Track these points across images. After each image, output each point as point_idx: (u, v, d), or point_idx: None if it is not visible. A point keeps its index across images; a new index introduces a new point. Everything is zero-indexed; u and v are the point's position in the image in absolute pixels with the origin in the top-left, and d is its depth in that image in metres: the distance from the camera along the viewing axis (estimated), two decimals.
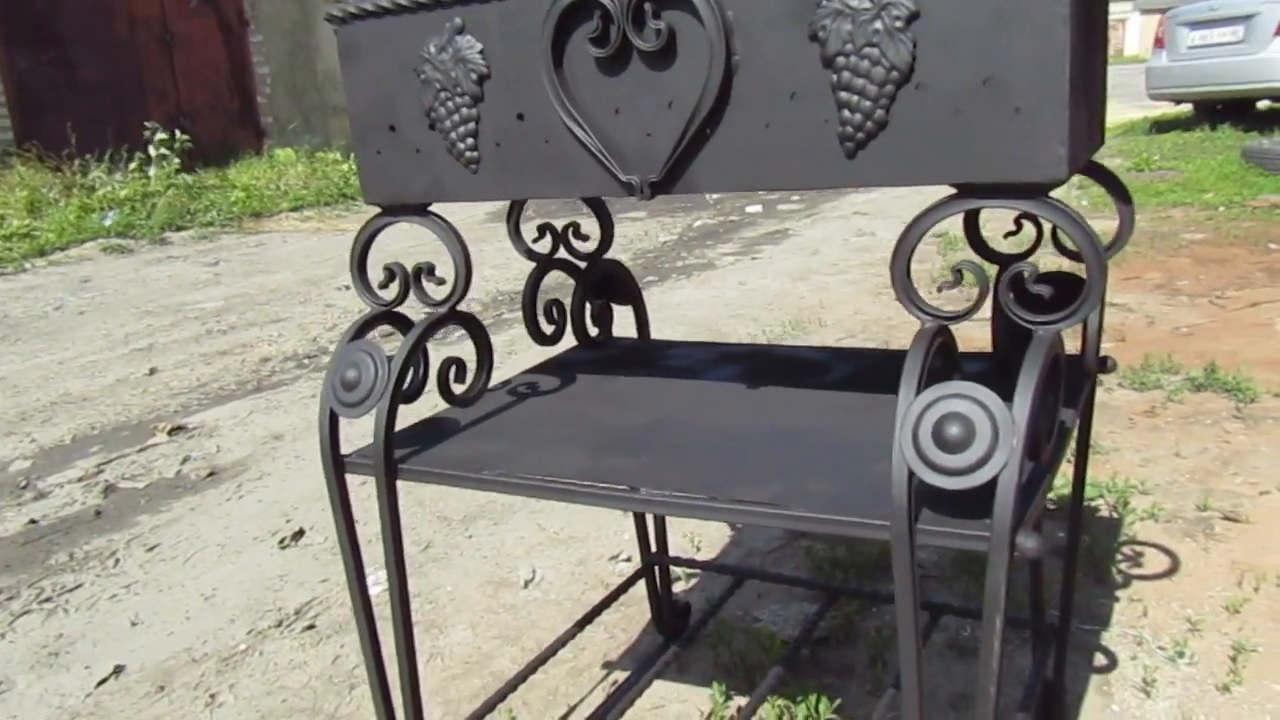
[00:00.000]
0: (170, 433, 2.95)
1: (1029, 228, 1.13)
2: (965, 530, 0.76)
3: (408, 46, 0.99)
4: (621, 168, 0.91)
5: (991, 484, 0.74)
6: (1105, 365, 1.15)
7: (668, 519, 1.72)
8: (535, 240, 1.32)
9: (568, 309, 1.36)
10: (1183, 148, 7.96)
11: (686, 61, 0.86)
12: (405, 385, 1.05)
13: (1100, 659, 1.55)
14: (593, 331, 1.37)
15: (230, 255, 6.33)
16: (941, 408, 0.76)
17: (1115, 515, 2.00)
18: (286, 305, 4.68)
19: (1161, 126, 9.54)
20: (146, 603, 1.97)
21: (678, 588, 1.84)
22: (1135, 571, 1.80)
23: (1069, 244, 1.09)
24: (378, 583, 1.98)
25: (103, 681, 1.70)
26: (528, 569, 1.97)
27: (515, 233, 1.32)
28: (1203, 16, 8.55)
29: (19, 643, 1.84)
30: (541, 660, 1.45)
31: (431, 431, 1.13)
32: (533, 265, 1.32)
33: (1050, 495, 2.07)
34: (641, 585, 1.63)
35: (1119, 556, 1.85)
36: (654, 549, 1.60)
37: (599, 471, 0.96)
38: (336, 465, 1.06)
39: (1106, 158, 8.37)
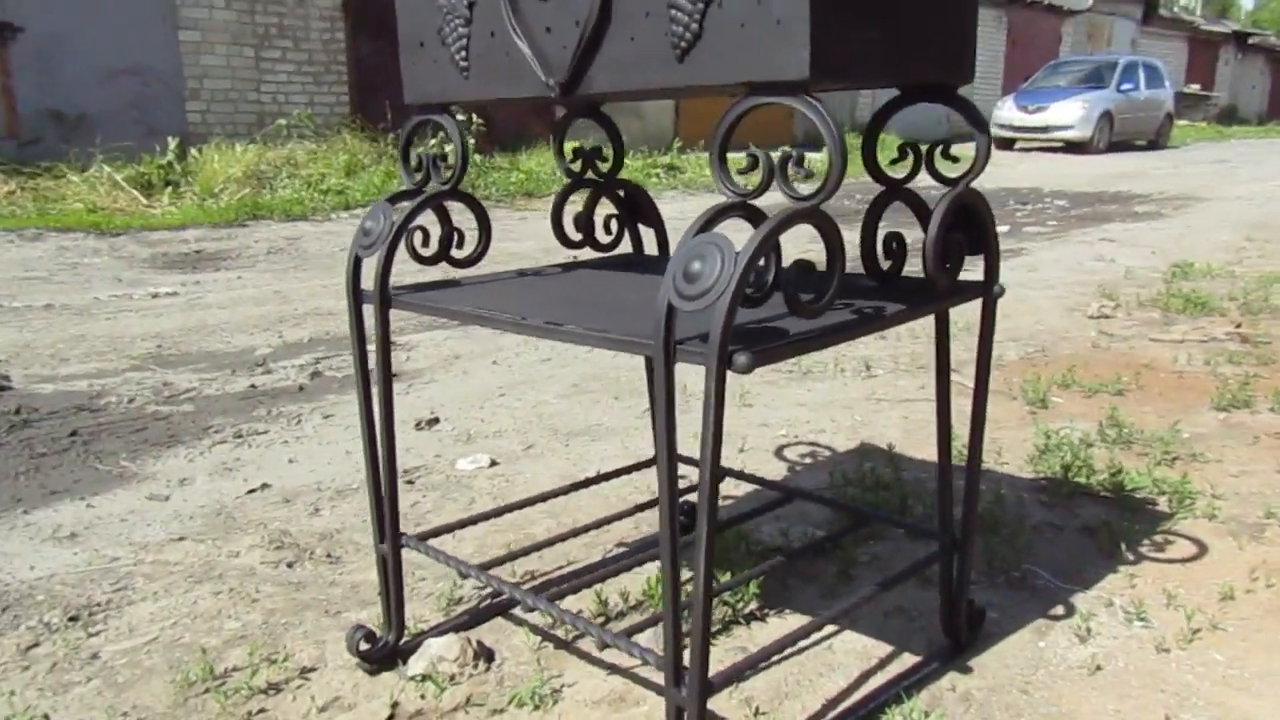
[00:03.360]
0: None
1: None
2: (695, 349, 0.97)
3: None
4: (546, 73, 1.19)
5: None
6: (991, 291, 1.26)
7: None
8: (571, 161, 1.61)
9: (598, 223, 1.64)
10: None
11: None
12: (424, 248, 1.39)
13: (1059, 609, 1.60)
14: (604, 239, 1.64)
15: (493, 225, 7.06)
16: (694, 250, 0.97)
17: (1169, 509, 1.98)
18: (516, 266, 5.24)
19: None
20: (306, 450, 2.46)
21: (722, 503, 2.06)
22: (1153, 554, 1.80)
23: (943, 170, 1.23)
24: (474, 463, 2.35)
25: (251, 491, 2.18)
26: (594, 469, 2.26)
27: (559, 152, 1.62)
28: None
29: (209, 458, 2.38)
30: (573, 533, 1.73)
31: (433, 286, 1.45)
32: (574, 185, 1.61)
33: (1101, 481, 2.08)
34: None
35: (1146, 541, 1.85)
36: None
37: (518, 314, 1.23)
38: (355, 295, 1.41)
39: None
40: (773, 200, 0.87)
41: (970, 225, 1.22)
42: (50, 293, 4.40)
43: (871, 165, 1.26)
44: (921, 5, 1.07)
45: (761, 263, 0.96)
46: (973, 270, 1.21)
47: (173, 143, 8.22)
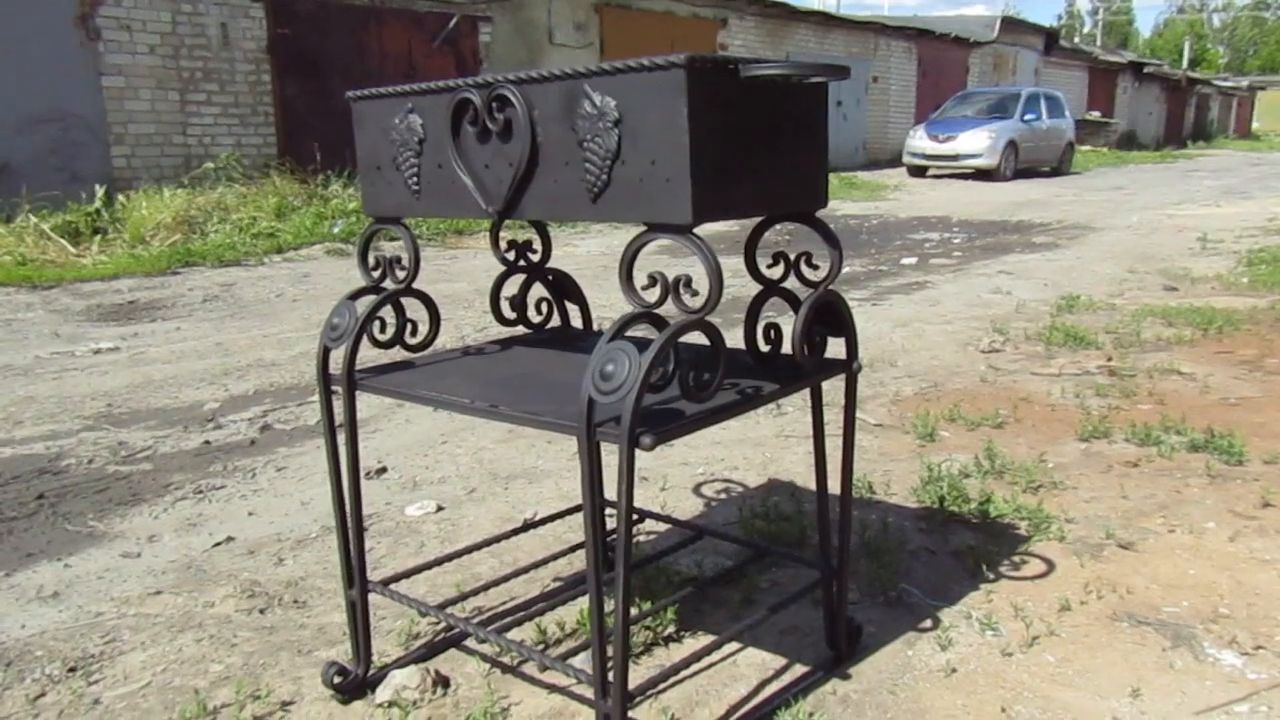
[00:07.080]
0: None
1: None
2: (611, 431, 1.25)
3: (386, 119, 1.58)
4: (485, 201, 1.46)
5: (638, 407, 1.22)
6: (851, 368, 1.56)
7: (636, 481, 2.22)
8: (506, 251, 1.88)
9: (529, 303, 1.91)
10: None
11: (518, 138, 1.40)
12: (382, 334, 1.63)
13: (926, 623, 1.91)
14: (535, 319, 1.91)
15: (425, 265, 7.27)
16: (607, 354, 1.24)
17: (1027, 533, 2.31)
18: (451, 309, 5.47)
19: None
20: (264, 503, 2.66)
21: (644, 539, 2.33)
22: (1009, 573, 2.12)
23: (807, 274, 1.53)
24: (421, 509, 2.59)
25: (217, 544, 2.38)
26: (532, 511, 2.51)
27: (495, 245, 1.89)
28: None
29: (173, 515, 2.57)
30: (515, 573, 1.99)
31: (391, 368, 1.70)
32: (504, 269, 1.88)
33: (972, 510, 2.41)
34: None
35: (1005, 562, 2.17)
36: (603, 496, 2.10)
37: (469, 396, 1.49)
38: (324, 380, 1.65)
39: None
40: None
41: (831, 318, 1.52)
42: None
43: (752, 269, 1.55)
44: (781, 159, 1.36)
45: (661, 368, 1.23)
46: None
47: (100, 190, 8.27)
